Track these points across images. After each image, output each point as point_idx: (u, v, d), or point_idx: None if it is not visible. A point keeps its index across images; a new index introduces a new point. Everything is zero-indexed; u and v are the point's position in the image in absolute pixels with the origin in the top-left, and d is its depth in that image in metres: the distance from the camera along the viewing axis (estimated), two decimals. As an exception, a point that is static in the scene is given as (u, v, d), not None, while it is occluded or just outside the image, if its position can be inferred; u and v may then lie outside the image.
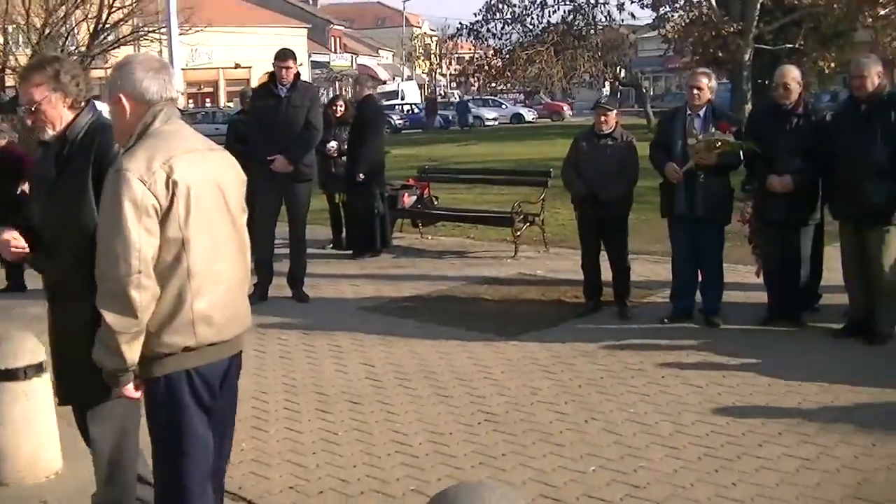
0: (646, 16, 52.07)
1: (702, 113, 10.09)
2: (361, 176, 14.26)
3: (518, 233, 14.38)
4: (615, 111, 10.87)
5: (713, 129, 9.82)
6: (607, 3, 47.73)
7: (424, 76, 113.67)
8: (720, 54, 42.19)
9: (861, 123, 9.07)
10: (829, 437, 6.87)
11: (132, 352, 4.18)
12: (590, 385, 8.30)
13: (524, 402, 7.93)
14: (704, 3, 41.61)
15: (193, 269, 4.24)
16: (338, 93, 21.54)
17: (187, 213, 4.21)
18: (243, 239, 4.63)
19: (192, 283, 4.25)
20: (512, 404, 7.86)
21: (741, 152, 9.78)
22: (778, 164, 9.56)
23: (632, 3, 45.28)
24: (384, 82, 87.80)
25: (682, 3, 44.89)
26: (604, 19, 49.02)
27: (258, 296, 11.61)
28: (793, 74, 9.80)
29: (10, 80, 37.26)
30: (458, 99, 77.53)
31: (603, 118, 10.65)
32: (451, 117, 67.35)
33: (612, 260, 10.94)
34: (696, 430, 7.15)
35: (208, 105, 73.62)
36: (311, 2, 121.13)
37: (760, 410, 7.54)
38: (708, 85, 10.09)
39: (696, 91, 10.09)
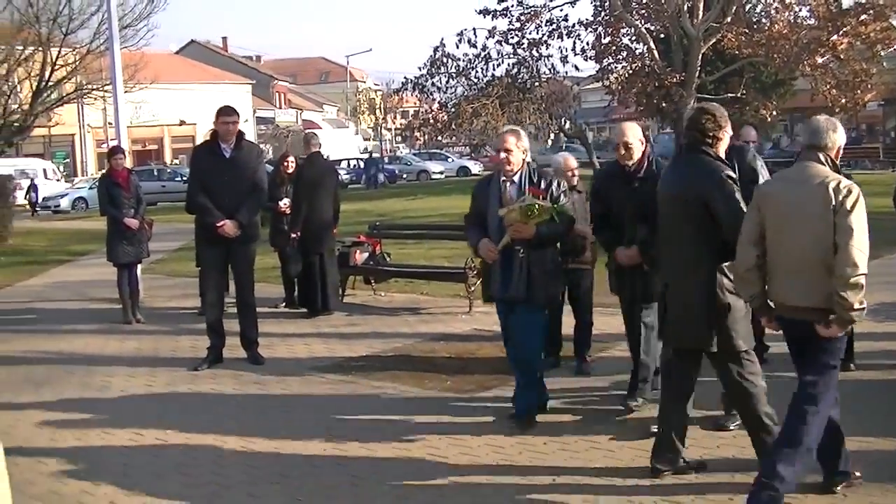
0: (589, 67, 52.39)
1: (517, 178, 8.66)
2: (294, 235, 14.26)
3: (472, 288, 14.18)
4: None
5: (526, 195, 8.50)
6: (551, 57, 47.96)
7: (369, 131, 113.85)
8: (664, 104, 42.64)
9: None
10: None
11: None
12: (555, 444, 8.18)
13: (487, 461, 7.82)
14: (647, 55, 42.05)
15: None
16: (286, 150, 21.50)
17: None
18: None
19: None
20: (476, 465, 7.75)
21: (558, 217, 8.46)
22: (626, 231, 8.70)
23: (575, 55, 45.17)
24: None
25: (624, 54, 45.26)
26: (548, 72, 49.21)
27: (212, 359, 11.52)
28: (632, 132, 8.72)
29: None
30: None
31: (570, 172, 10.82)
32: (396, 171, 67.21)
33: (577, 314, 10.88)
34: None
35: (153, 163, 73.24)
36: (254, 58, 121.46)
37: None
38: (518, 145, 8.65)
39: (503, 155, 8.67)
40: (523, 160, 8.70)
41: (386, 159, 73.74)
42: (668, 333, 7.36)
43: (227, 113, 11.68)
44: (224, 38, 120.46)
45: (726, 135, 7.17)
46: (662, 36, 44.75)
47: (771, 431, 6.80)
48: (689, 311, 7.02)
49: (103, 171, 19.44)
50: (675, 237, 7.16)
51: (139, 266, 16.01)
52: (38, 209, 51.12)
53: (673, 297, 7.16)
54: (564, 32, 45.67)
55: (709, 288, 6.92)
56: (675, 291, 7.14)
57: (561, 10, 45.16)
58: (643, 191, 8.33)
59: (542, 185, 8.60)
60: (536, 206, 8.30)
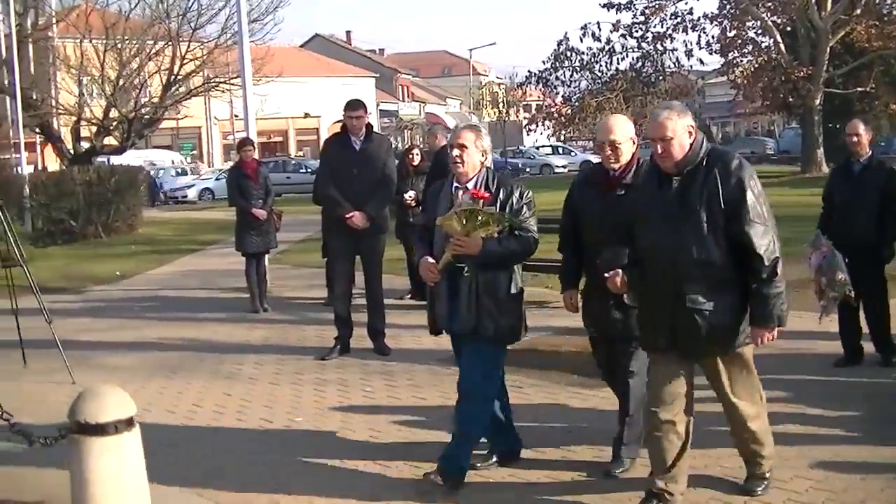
0: (714, 61, 51.87)
1: (471, 184, 7.16)
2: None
3: (599, 282, 14.08)
4: None
5: (467, 199, 7.04)
6: (675, 50, 47.65)
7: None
8: (790, 99, 42.02)
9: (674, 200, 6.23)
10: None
11: None
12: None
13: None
14: (773, 48, 41.45)
15: None
16: (412, 142, 21.52)
17: None
18: None
19: None
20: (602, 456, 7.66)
21: (508, 230, 6.98)
22: (597, 252, 7.07)
23: (700, 49, 44.89)
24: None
25: (750, 48, 44.77)
26: (672, 65, 48.93)
27: (339, 349, 11.64)
28: (621, 129, 7.09)
29: (85, 132, 37.80)
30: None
31: None
32: (519, 165, 67.19)
33: None
34: (794, 485, 6.94)
35: (278, 155, 74.14)
36: (378, 51, 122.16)
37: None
38: (476, 144, 7.16)
39: (455, 152, 7.18)
40: (482, 163, 7.21)
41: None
42: None
43: (352, 107, 11.75)
44: (348, 32, 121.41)
45: None
46: (789, 29, 44.17)
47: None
48: None
49: (229, 162, 19.66)
50: None
51: (266, 256, 16.24)
52: (158, 201, 52.00)
53: None
54: (689, 26, 45.45)
55: None
56: None
57: (686, 3, 45.20)
58: (627, 201, 6.79)
59: (501, 195, 7.08)
60: (477, 212, 6.84)
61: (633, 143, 7.08)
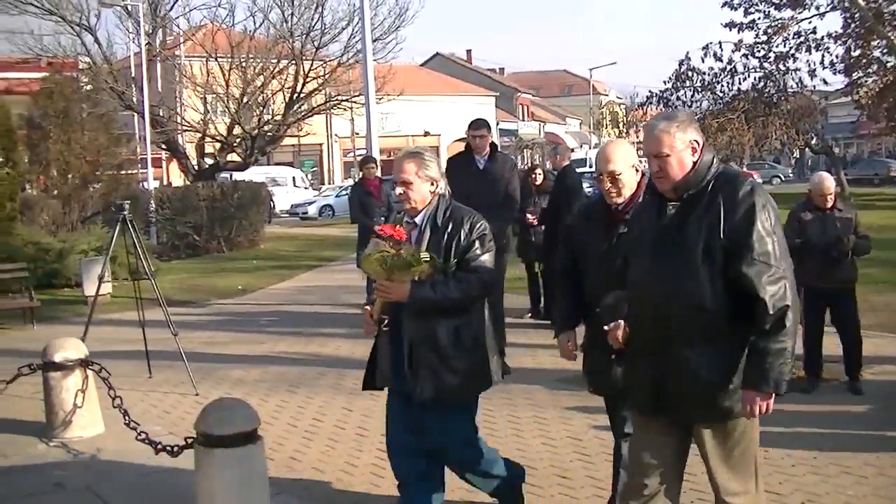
0: (837, 81, 51.02)
1: (419, 218, 6.24)
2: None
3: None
4: None
5: (380, 239, 6.01)
6: (798, 70, 47.00)
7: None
8: (915, 120, 41.26)
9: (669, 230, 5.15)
10: None
11: None
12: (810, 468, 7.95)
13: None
14: (899, 68, 40.71)
15: None
16: (532, 162, 21.50)
17: None
18: None
19: None
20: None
21: (438, 269, 6.02)
22: (597, 298, 5.94)
23: (823, 68, 44.13)
24: (573, 150, 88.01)
25: (875, 67, 43.99)
26: (795, 85, 48.26)
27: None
28: (621, 157, 6.11)
29: (209, 148, 38.51)
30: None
31: (829, 196, 10.42)
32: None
33: (843, 334, 10.64)
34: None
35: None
36: (498, 70, 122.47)
37: None
38: (419, 174, 6.22)
39: (398, 190, 6.28)
40: (431, 192, 6.26)
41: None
42: None
43: (476, 126, 11.79)
44: (468, 51, 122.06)
45: None
46: (916, 49, 43.28)
47: None
48: None
49: (349, 179, 19.87)
50: None
51: (388, 273, 16.29)
52: (272, 217, 52.60)
53: None
54: (813, 45, 44.76)
55: None
56: None
57: (809, 23, 44.22)
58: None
59: (450, 228, 6.13)
60: (395, 252, 5.87)
61: (637, 171, 6.09)
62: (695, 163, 5.03)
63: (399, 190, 6.18)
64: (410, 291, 5.89)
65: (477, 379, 6.23)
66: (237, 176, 37.73)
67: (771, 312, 4.75)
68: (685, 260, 4.92)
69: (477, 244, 6.08)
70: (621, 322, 5.40)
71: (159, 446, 7.77)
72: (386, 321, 6.15)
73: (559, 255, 6.68)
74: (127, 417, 8.38)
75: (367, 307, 6.23)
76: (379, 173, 16.65)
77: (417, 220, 6.17)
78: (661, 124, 5.10)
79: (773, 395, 4.81)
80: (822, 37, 44.57)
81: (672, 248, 5.00)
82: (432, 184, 6.20)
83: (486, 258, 6.12)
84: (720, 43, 46.09)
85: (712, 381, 4.91)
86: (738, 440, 5.08)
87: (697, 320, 4.89)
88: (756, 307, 4.78)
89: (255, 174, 43.68)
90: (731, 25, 45.26)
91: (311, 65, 37.33)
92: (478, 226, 6.13)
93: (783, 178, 75.56)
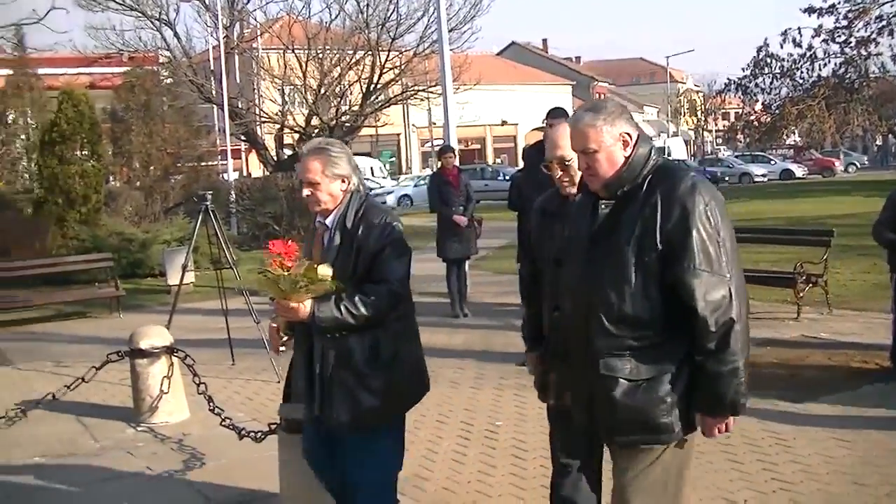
0: (922, 65, 50.22)
1: (330, 220, 5.47)
2: None
3: (801, 294, 13.95)
4: None
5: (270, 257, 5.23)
6: (881, 55, 46.39)
7: (690, 132, 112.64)
8: None
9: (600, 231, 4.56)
10: None
11: None
12: (892, 455, 7.85)
13: (819, 470, 7.56)
14: None
15: None
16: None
17: None
18: None
19: None
20: (806, 473, 7.51)
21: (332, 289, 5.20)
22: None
23: (906, 53, 43.57)
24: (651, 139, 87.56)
25: (961, 52, 43.35)
26: (877, 71, 47.67)
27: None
28: (572, 137, 4.83)
29: (287, 139, 38.83)
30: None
31: None
32: (718, 174, 66.20)
33: None
34: None
35: (476, 162, 74.58)
36: (574, 59, 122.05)
37: None
38: (326, 173, 5.39)
39: (305, 192, 5.47)
40: (343, 191, 5.47)
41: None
42: None
43: (554, 115, 11.70)
44: (544, 40, 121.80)
45: None
46: None
47: None
48: None
49: (427, 169, 19.94)
50: None
51: (467, 262, 16.38)
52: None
53: None
54: (895, 28, 44.10)
55: None
56: None
57: (892, 6, 43.51)
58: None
59: (360, 232, 5.34)
60: (284, 270, 5.13)
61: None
62: (627, 157, 4.48)
63: (305, 192, 5.44)
64: (312, 311, 5.14)
65: (399, 397, 5.44)
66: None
67: (713, 329, 4.26)
68: (615, 265, 4.35)
69: (388, 250, 5.31)
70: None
71: (243, 432, 7.92)
72: (287, 338, 5.53)
73: (521, 259, 6.16)
74: (211, 403, 8.55)
75: (273, 324, 5.55)
76: (457, 163, 16.69)
77: (328, 221, 5.45)
78: (585, 117, 4.54)
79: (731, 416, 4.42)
80: (905, 19, 43.99)
81: (603, 252, 4.42)
82: (343, 181, 5.43)
83: (398, 265, 5.35)
84: (799, 28, 45.68)
85: (648, 401, 4.34)
86: (669, 468, 4.51)
87: (631, 332, 4.34)
88: (696, 322, 4.25)
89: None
90: (810, 10, 44.78)
91: (388, 55, 37.49)
92: (389, 230, 5.34)
93: (858, 166, 74.55)
